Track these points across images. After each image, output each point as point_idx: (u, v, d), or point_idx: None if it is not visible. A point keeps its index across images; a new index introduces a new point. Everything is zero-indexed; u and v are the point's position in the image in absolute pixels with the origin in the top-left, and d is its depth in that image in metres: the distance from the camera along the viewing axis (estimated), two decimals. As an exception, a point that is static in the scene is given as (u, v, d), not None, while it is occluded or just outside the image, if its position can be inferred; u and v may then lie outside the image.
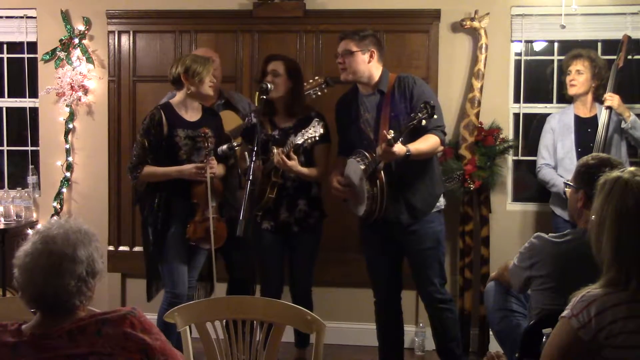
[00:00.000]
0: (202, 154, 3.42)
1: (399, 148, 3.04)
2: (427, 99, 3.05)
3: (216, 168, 3.47)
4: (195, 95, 3.50)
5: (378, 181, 3.21)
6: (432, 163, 3.40)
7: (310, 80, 3.72)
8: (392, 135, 2.97)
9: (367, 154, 3.26)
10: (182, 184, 3.46)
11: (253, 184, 3.30)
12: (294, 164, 3.42)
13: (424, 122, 2.97)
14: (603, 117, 3.83)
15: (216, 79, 3.75)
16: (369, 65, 3.33)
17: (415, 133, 3.18)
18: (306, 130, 3.37)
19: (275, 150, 3.44)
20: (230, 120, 3.81)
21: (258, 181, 3.48)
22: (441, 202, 3.46)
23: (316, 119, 3.44)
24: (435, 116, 2.99)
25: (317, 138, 3.38)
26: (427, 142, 3.21)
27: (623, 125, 3.82)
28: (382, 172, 3.21)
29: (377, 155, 3.13)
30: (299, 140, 3.37)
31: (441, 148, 3.40)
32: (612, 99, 3.81)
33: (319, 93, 3.65)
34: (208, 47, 4.16)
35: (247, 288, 3.77)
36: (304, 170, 3.51)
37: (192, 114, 3.54)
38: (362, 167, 3.24)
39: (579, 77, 3.91)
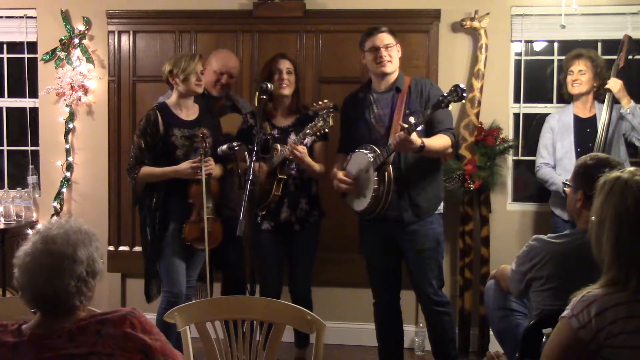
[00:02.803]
0: (199, 153, 3.42)
1: (415, 137, 3.05)
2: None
3: (213, 168, 3.47)
4: (184, 93, 3.50)
5: (386, 174, 3.22)
6: (439, 166, 3.44)
7: (320, 102, 3.74)
8: (413, 121, 2.99)
9: (376, 148, 3.27)
10: (179, 183, 3.46)
11: (253, 184, 3.31)
12: (305, 152, 3.44)
13: (450, 105, 3.00)
14: (603, 117, 3.84)
15: (235, 73, 3.86)
16: (399, 59, 3.39)
17: (429, 133, 3.23)
18: (316, 121, 3.37)
19: (278, 147, 3.46)
20: (236, 123, 3.81)
21: (259, 181, 3.49)
22: (441, 206, 3.48)
23: (325, 110, 3.42)
24: (464, 100, 3.01)
25: (327, 130, 3.39)
26: (440, 140, 3.24)
27: (622, 110, 3.82)
28: (390, 166, 3.21)
29: (391, 145, 3.14)
30: (308, 131, 3.38)
31: (451, 150, 3.41)
32: (615, 83, 3.81)
33: (326, 117, 3.67)
34: (207, 48, 4.14)
35: (242, 288, 3.78)
36: (313, 163, 3.52)
37: (188, 113, 3.54)
38: (372, 160, 3.24)
39: (582, 77, 3.91)
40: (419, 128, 3.07)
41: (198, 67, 3.48)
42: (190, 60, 3.46)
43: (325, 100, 3.69)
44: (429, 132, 3.24)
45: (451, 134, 3.30)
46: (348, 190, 3.44)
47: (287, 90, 3.58)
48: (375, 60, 3.36)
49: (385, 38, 3.37)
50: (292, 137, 3.51)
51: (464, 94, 2.93)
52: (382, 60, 3.34)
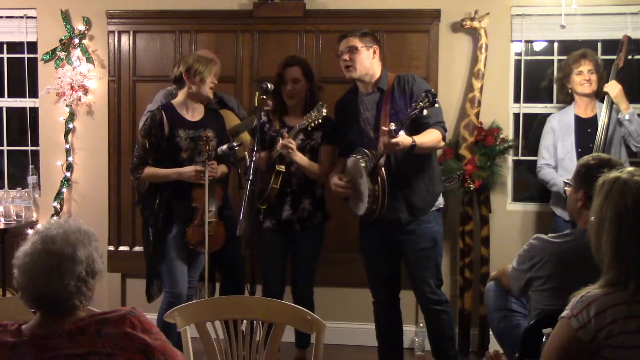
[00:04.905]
0: (203, 156, 3.42)
1: (403, 138, 3.04)
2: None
3: (217, 171, 3.46)
4: (195, 95, 3.50)
5: (379, 178, 3.22)
6: (431, 161, 3.41)
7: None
8: (393, 127, 2.98)
9: (367, 152, 3.26)
10: (183, 185, 3.45)
11: (253, 184, 3.31)
12: (295, 152, 3.42)
13: (425, 111, 2.97)
14: (603, 118, 3.83)
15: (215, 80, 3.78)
16: (372, 62, 3.36)
17: (417, 129, 3.20)
18: (310, 113, 3.37)
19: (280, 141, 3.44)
20: (230, 120, 3.81)
21: (260, 171, 3.48)
22: (440, 201, 3.47)
23: (320, 103, 3.42)
24: (437, 105, 2.99)
25: (320, 121, 3.37)
26: (430, 136, 3.23)
27: (619, 115, 3.82)
28: (382, 169, 3.21)
29: (379, 149, 3.13)
30: (303, 123, 3.38)
31: (442, 144, 3.39)
32: (614, 86, 3.80)
33: (320, 107, 3.70)
34: (208, 49, 4.16)
35: (239, 287, 3.78)
36: (305, 160, 3.51)
37: (193, 114, 3.54)
38: (363, 164, 3.24)
39: (593, 76, 3.90)
40: (402, 132, 3.05)
41: (214, 71, 3.50)
42: (208, 63, 3.47)
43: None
44: (417, 128, 3.21)
45: (441, 127, 3.28)
46: (346, 195, 3.44)
47: (292, 101, 3.58)
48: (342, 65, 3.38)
49: (347, 42, 3.35)
50: (300, 135, 3.50)
51: (435, 99, 2.94)
52: (343, 64, 3.35)
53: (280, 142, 3.41)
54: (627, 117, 3.79)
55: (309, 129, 3.44)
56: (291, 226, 3.62)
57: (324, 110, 3.36)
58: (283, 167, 3.51)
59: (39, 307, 1.68)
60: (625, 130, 3.84)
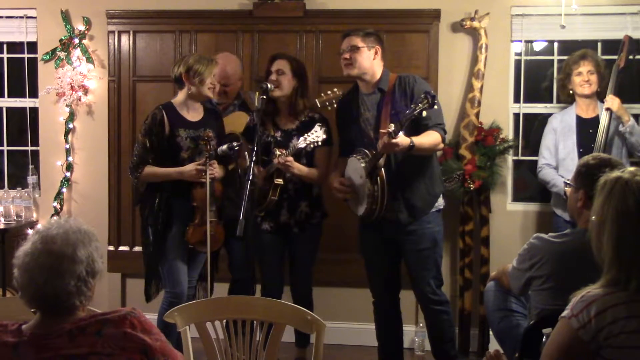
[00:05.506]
0: (204, 156, 3.42)
1: (402, 139, 3.05)
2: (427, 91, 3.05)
3: (217, 171, 3.46)
4: (196, 96, 3.49)
5: (379, 179, 3.22)
6: (431, 162, 3.41)
7: (329, 92, 3.73)
8: (392, 128, 2.98)
9: (367, 152, 3.27)
10: (182, 184, 3.45)
11: (253, 183, 3.30)
12: (294, 165, 3.43)
13: (424, 112, 2.97)
14: (603, 119, 3.83)
15: (232, 81, 3.79)
16: (373, 62, 3.35)
17: (417, 130, 3.19)
18: (309, 134, 3.36)
19: (277, 152, 3.44)
20: (242, 122, 3.80)
21: (258, 184, 3.49)
22: (440, 202, 3.46)
23: (318, 124, 3.43)
24: (436, 106, 2.99)
25: (320, 143, 3.37)
26: (429, 138, 3.23)
27: (620, 128, 3.82)
28: (382, 169, 3.21)
29: (378, 149, 3.13)
30: (301, 144, 3.37)
31: (442, 145, 3.40)
32: (612, 101, 3.81)
33: (335, 105, 3.67)
34: (208, 49, 4.15)
35: (248, 287, 3.78)
36: (304, 170, 3.51)
37: (193, 114, 3.54)
38: (363, 165, 3.25)
39: (592, 77, 3.90)
40: (401, 133, 3.05)
41: (214, 72, 3.49)
42: (208, 64, 3.46)
43: (335, 90, 3.68)
44: (417, 129, 3.21)
45: (440, 129, 3.29)
46: (346, 197, 3.44)
47: (276, 92, 3.53)
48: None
49: (349, 41, 3.35)
50: (294, 141, 3.49)
51: (435, 101, 2.95)
52: (343, 62, 3.35)
53: (278, 160, 3.39)
54: (627, 129, 3.79)
55: (308, 149, 3.43)
56: (289, 229, 3.62)
57: (324, 136, 3.35)
58: (281, 180, 3.49)
59: (39, 307, 1.68)
60: (628, 142, 3.84)
